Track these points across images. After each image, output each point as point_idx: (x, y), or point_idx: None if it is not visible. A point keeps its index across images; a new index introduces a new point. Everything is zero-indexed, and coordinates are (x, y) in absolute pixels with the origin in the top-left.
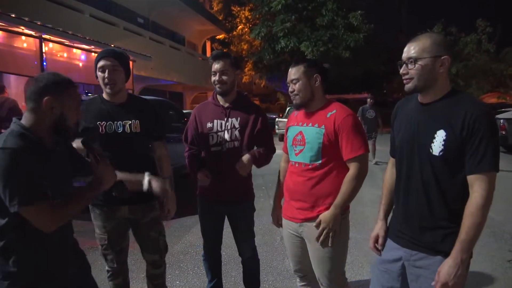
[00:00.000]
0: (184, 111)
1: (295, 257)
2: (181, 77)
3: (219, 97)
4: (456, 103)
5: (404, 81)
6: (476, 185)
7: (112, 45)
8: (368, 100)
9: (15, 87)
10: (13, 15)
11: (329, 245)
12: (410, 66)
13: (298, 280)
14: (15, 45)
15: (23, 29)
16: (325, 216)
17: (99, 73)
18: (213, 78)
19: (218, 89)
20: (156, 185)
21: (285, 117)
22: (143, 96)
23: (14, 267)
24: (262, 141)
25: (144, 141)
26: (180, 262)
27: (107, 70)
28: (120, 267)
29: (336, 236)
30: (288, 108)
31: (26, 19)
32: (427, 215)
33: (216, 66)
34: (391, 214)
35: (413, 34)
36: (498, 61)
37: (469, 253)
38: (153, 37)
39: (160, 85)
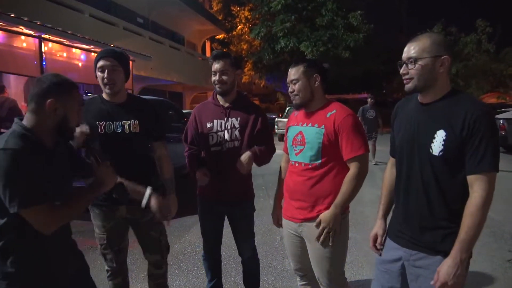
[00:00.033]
0: (184, 111)
1: (295, 256)
2: (180, 77)
3: (219, 97)
4: (456, 103)
5: (404, 81)
6: (476, 185)
7: (112, 45)
8: (369, 100)
9: (15, 87)
10: (13, 15)
11: (329, 245)
12: (410, 66)
13: (298, 279)
14: (15, 44)
15: (22, 29)
16: (325, 215)
17: (98, 73)
18: (213, 78)
19: (218, 89)
20: (154, 202)
21: (285, 117)
22: (142, 96)
23: (12, 267)
24: (262, 141)
25: (143, 141)
26: (180, 262)
27: (106, 70)
28: (119, 266)
29: (336, 236)
30: (287, 108)
31: (26, 18)
32: (427, 215)
33: (216, 66)
34: (390, 214)
35: (413, 34)
36: (497, 61)
37: (469, 253)
38: (152, 37)
39: (159, 85)
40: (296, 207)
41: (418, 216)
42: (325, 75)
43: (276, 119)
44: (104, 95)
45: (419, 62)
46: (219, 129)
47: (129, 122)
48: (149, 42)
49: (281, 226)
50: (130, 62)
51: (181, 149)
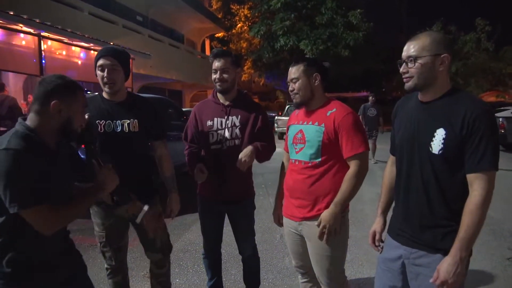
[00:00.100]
0: (184, 109)
1: (296, 254)
2: (180, 75)
3: (219, 95)
4: (456, 101)
5: (404, 80)
6: (475, 183)
7: (111, 43)
8: (370, 98)
9: (14, 85)
10: (12, 13)
11: (329, 243)
12: (410, 64)
13: (299, 276)
14: (14, 42)
15: (21, 27)
16: (325, 214)
17: (98, 72)
18: (213, 76)
19: (218, 87)
20: (147, 220)
21: (285, 115)
22: (142, 95)
23: (9, 267)
24: (263, 139)
25: (143, 141)
26: (180, 260)
27: (106, 70)
28: (118, 265)
29: (336, 234)
30: (287, 106)
31: (25, 16)
32: (427, 214)
33: (216, 64)
34: (390, 212)
35: (412, 34)
36: (497, 60)
37: (469, 251)
38: (152, 35)
39: (159, 83)
40: (296, 206)
41: (418, 215)
42: (325, 73)
43: (276, 117)
44: (104, 94)
45: (419, 61)
46: (219, 127)
47: (129, 121)
48: (149, 40)
49: (282, 225)
50: (131, 61)
51: (181, 147)
